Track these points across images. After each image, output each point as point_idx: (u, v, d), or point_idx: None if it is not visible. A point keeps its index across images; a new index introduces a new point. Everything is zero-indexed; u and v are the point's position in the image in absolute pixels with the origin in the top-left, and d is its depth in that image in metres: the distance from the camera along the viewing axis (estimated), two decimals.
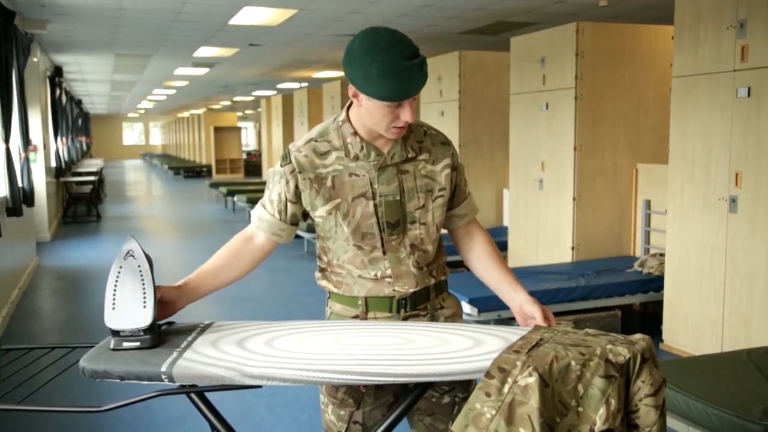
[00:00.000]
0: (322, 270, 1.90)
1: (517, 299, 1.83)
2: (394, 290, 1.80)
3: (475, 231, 1.96)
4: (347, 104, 1.81)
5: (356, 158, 1.77)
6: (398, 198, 1.78)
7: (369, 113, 1.70)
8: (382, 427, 1.70)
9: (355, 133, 1.77)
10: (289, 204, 1.80)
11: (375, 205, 1.77)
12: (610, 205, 5.72)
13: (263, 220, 1.83)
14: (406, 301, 1.81)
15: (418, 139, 1.83)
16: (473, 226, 1.97)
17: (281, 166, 1.80)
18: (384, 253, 1.79)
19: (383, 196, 1.77)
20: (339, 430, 1.85)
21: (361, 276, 1.80)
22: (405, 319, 1.83)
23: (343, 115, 1.81)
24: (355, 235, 1.77)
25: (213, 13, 6.72)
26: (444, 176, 1.84)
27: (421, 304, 1.84)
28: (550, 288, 4.65)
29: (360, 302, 1.82)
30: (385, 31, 1.65)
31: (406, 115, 1.68)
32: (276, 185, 1.80)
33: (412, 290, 1.81)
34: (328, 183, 1.77)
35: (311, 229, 8.07)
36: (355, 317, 1.83)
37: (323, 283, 1.90)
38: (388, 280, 1.79)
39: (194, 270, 1.83)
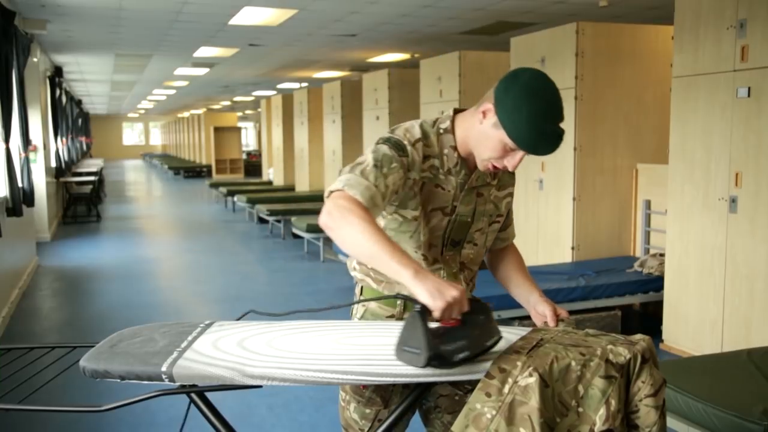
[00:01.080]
0: (359, 263, 1.85)
1: (532, 301, 1.91)
2: None
3: (510, 249, 2.04)
4: (451, 113, 1.77)
5: (448, 172, 1.75)
6: (469, 220, 1.80)
7: (485, 138, 1.67)
8: (383, 428, 1.70)
9: (455, 147, 1.75)
10: (394, 195, 1.68)
11: (449, 221, 1.77)
12: (610, 205, 5.71)
13: (375, 204, 1.60)
14: None
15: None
16: (511, 246, 2.04)
17: (399, 155, 1.66)
18: (442, 266, 1.81)
19: (459, 215, 1.78)
20: (361, 429, 1.84)
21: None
22: None
23: (446, 124, 1.76)
24: (425, 245, 1.77)
25: (213, 13, 6.72)
26: (505, 203, 1.89)
27: None
28: (550, 288, 4.64)
29: (399, 302, 1.81)
30: (552, 85, 1.63)
31: (512, 163, 1.68)
32: (393, 173, 1.64)
33: None
34: (420, 188, 1.73)
35: (311, 229, 8.06)
36: (391, 317, 1.83)
37: (360, 275, 1.86)
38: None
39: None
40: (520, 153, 1.66)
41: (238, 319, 1.82)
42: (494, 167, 1.70)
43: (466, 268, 1.86)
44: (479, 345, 1.48)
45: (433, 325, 1.44)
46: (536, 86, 1.60)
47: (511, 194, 1.91)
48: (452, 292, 1.42)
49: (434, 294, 1.41)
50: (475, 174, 1.77)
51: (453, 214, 1.77)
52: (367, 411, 1.82)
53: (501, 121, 1.62)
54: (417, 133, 1.72)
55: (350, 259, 1.90)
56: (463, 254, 1.84)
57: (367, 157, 1.65)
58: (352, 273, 1.89)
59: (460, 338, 1.46)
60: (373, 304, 1.84)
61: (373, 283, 1.83)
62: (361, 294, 1.89)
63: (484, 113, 1.67)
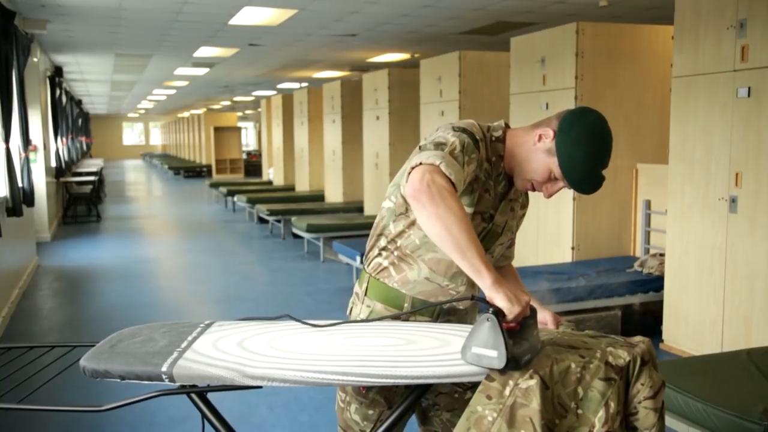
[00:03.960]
0: (386, 249, 1.81)
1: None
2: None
3: (510, 266, 2.05)
4: (503, 124, 1.78)
5: (494, 179, 1.77)
6: (500, 231, 1.82)
7: (535, 160, 1.71)
8: (383, 428, 1.70)
9: (502, 157, 1.77)
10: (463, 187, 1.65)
11: (484, 228, 1.77)
12: (610, 205, 5.71)
13: (459, 191, 1.58)
14: (446, 309, 1.83)
15: None
16: (510, 265, 2.06)
17: (476, 146, 1.66)
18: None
19: (494, 225, 1.79)
20: (362, 430, 1.83)
21: (428, 279, 1.77)
22: (439, 322, 1.84)
23: (500, 133, 1.78)
24: None
25: (213, 13, 6.72)
26: (521, 222, 1.92)
27: (454, 312, 1.87)
28: (550, 288, 4.64)
29: (406, 304, 1.79)
30: (610, 132, 1.69)
31: (550, 190, 1.74)
32: (472, 163, 1.64)
33: (462, 308, 1.85)
34: (475, 186, 1.72)
35: (311, 229, 8.06)
36: (396, 318, 1.82)
37: (383, 261, 1.81)
38: (452, 292, 1.80)
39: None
40: (560, 184, 1.71)
41: (272, 319, 1.82)
42: (530, 188, 1.75)
43: None
44: (537, 347, 1.53)
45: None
46: (599, 130, 1.67)
47: (525, 214, 1.95)
48: (525, 297, 1.49)
49: (512, 299, 1.46)
50: (514, 188, 1.81)
51: (490, 223, 1.78)
52: (370, 412, 1.82)
53: (557, 151, 1.67)
54: (480, 133, 1.72)
55: (374, 246, 1.84)
56: None
57: (452, 139, 1.60)
58: (375, 260, 1.83)
59: (525, 341, 1.50)
60: (379, 306, 1.83)
61: (393, 272, 1.78)
62: (366, 292, 1.84)
63: (540, 136, 1.71)
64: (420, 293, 1.79)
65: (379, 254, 1.83)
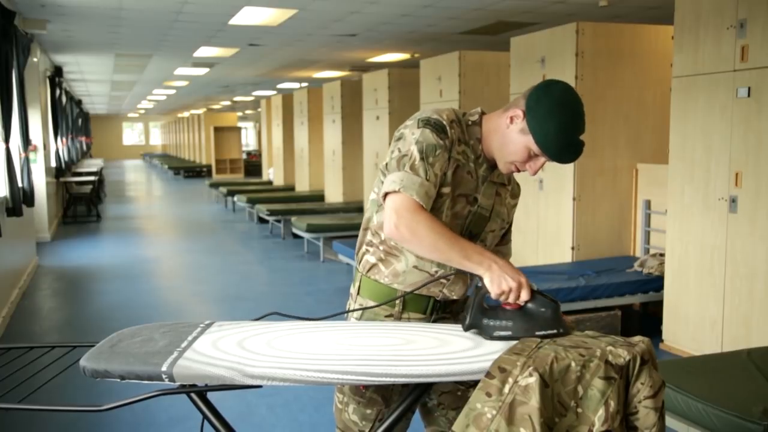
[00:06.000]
0: (371, 245, 1.85)
1: None
2: (441, 291, 1.82)
3: None
4: (479, 110, 1.82)
5: (475, 161, 1.79)
6: (487, 215, 1.83)
7: (511, 142, 1.73)
8: (383, 428, 1.70)
9: (479, 140, 1.79)
10: (443, 177, 1.73)
11: (470, 211, 1.80)
12: (610, 205, 5.72)
13: (430, 197, 1.68)
14: (439, 304, 1.84)
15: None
16: None
17: (440, 138, 1.71)
18: None
19: (480, 207, 1.81)
20: (361, 430, 1.84)
21: (417, 267, 1.79)
22: (434, 321, 1.85)
23: (475, 117, 1.81)
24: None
25: (213, 13, 6.73)
26: (512, 213, 1.93)
27: (448, 308, 1.88)
28: (550, 288, 4.64)
29: (398, 302, 1.82)
30: (579, 100, 1.71)
31: (534, 167, 1.75)
32: (438, 159, 1.70)
33: (455, 298, 1.85)
34: (453, 168, 1.75)
35: (311, 229, 8.07)
36: (389, 316, 1.83)
37: (370, 258, 1.84)
38: (443, 280, 1.81)
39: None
40: (542, 159, 1.72)
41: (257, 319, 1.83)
42: (514, 169, 1.77)
43: None
44: (525, 330, 1.61)
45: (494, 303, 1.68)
46: (567, 99, 1.68)
47: (516, 204, 1.95)
48: (510, 282, 1.60)
49: (494, 280, 1.60)
50: (496, 172, 1.83)
51: (475, 205, 1.80)
52: (368, 412, 1.82)
53: (530, 128, 1.68)
54: (452, 116, 1.77)
55: (362, 243, 1.89)
56: None
57: (412, 149, 1.69)
58: (363, 256, 1.86)
59: (508, 319, 1.63)
60: (372, 305, 1.84)
61: (382, 267, 1.82)
62: (359, 290, 1.88)
63: (511, 118, 1.72)
64: (412, 285, 1.80)
65: (367, 251, 1.86)
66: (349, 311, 1.88)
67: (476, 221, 1.82)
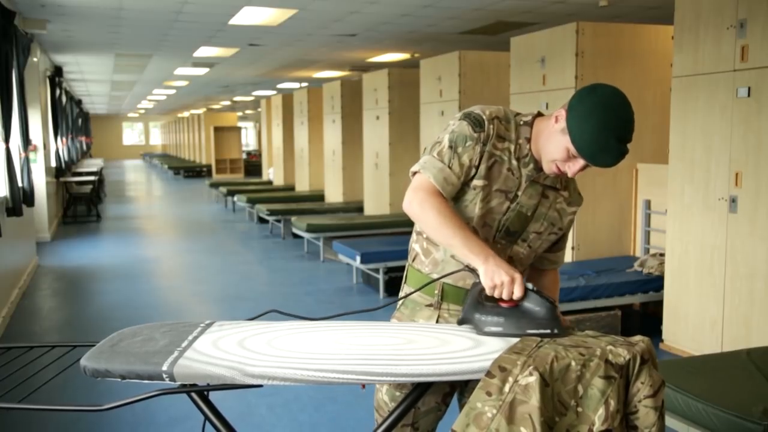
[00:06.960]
0: (418, 233, 1.95)
1: None
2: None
3: (554, 274, 2.06)
4: (535, 113, 1.85)
5: (519, 160, 1.82)
6: (529, 214, 1.84)
7: (553, 140, 1.74)
8: (382, 428, 1.70)
9: (529, 140, 1.82)
10: (473, 169, 1.80)
11: (508, 208, 1.82)
12: (610, 205, 5.72)
13: (450, 183, 1.78)
14: None
15: (566, 177, 1.86)
16: (555, 272, 2.06)
17: (474, 131, 1.78)
18: None
19: (519, 205, 1.82)
20: (390, 411, 1.85)
21: (454, 257, 1.83)
22: None
23: (528, 118, 1.84)
24: (479, 219, 1.81)
25: (213, 13, 6.73)
26: (568, 221, 1.92)
27: None
28: None
29: (436, 291, 1.87)
30: (628, 106, 1.71)
31: (573, 169, 1.74)
32: (468, 150, 1.78)
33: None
34: (490, 162, 1.79)
35: (311, 229, 8.06)
36: (429, 306, 1.88)
37: (416, 246, 1.95)
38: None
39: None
40: (581, 161, 1.71)
41: (253, 319, 1.84)
42: (556, 170, 1.77)
43: (512, 264, 1.86)
44: (517, 328, 1.63)
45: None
46: (611, 102, 1.68)
47: (575, 214, 1.95)
48: (503, 277, 1.62)
49: (488, 273, 1.63)
50: (543, 174, 1.83)
51: (514, 202, 1.82)
52: (398, 394, 1.88)
53: (569, 127, 1.69)
54: (499, 113, 1.83)
55: (413, 232, 1.98)
56: (514, 249, 1.87)
57: (445, 137, 1.80)
58: (411, 245, 1.97)
59: (500, 316, 1.65)
60: (414, 294, 1.90)
61: (423, 255, 1.91)
62: (405, 279, 1.98)
63: (556, 117, 1.74)
64: (450, 277, 1.84)
65: (416, 240, 1.96)
66: (399, 299, 1.97)
67: (515, 219, 1.83)
